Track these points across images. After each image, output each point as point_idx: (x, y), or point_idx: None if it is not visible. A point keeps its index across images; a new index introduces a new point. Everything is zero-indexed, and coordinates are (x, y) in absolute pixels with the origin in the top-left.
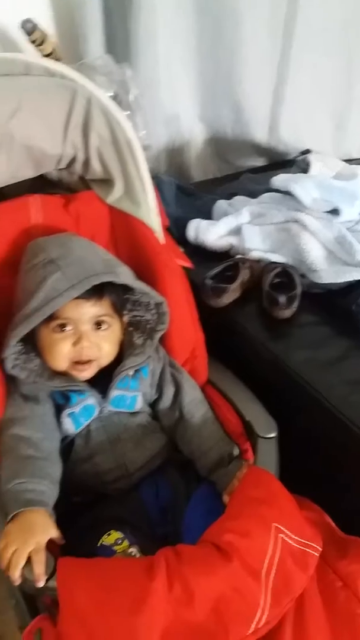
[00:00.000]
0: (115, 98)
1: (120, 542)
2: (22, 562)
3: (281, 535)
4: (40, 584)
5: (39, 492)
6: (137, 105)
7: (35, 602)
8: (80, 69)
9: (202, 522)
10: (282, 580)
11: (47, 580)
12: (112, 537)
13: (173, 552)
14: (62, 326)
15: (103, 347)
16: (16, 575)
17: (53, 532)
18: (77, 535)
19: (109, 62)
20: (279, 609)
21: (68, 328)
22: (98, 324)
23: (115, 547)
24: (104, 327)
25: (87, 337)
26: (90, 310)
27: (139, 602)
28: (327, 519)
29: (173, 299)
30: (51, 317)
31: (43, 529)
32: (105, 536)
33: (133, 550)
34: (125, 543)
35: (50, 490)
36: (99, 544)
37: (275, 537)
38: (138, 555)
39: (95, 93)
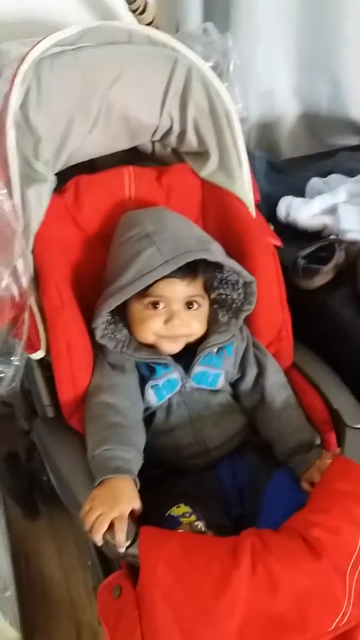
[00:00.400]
0: (215, 68)
1: (187, 515)
2: (105, 527)
3: None
4: (122, 549)
5: (126, 460)
6: (237, 77)
7: (109, 564)
8: (181, 38)
9: (282, 502)
10: None
11: (128, 547)
12: (180, 510)
13: (259, 537)
14: (155, 304)
15: (193, 326)
16: (98, 539)
17: (137, 503)
18: (146, 504)
19: (212, 31)
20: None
21: (161, 306)
22: (189, 304)
23: (182, 519)
24: (195, 307)
25: (178, 316)
26: (184, 290)
27: (222, 585)
28: None
29: (263, 277)
30: (144, 293)
31: (128, 497)
32: (174, 507)
33: (199, 524)
34: (193, 517)
35: (135, 459)
36: (166, 514)
37: None
38: (204, 529)
39: (196, 62)
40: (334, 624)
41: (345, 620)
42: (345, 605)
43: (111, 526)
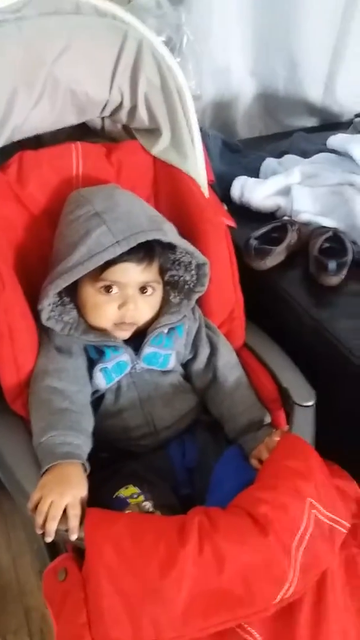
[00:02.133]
0: (167, 43)
1: (136, 496)
2: (59, 515)
3: (314, 511)
4: (74, 537)
5: (75, 445)
6: (190, 52)
7: (56, 547)
8: (132, 10)
9: (230, 479)
10: (311, 555)
11: None
12: (129, 491)
13: (206, 515)
14: (108, 288)
15: (147, 311)
16: (52, 529)
17: (85, 489)
18: (94, 486)
19: (165, 4)
20: (304, 582)
21: (114, 290)
22: (144, 289)
23: (130, 500)
24: (149, 291)
25: (133, 302)
26: (140, 275)
27: (168, 564)
28: (356, 486)
29: (215, 258)
30: (97, 277)
31: (79, 482)
32: (122, 489)
33: (147, 504)
34: (141, 497)
35: (85, 445)
36: (114, 496)
37: (309, 512)
38: (152, 510)
39: (147, 36)
40: (279, 596)
41: (289, 593)
42: (290, 579)
43: (64, 513)
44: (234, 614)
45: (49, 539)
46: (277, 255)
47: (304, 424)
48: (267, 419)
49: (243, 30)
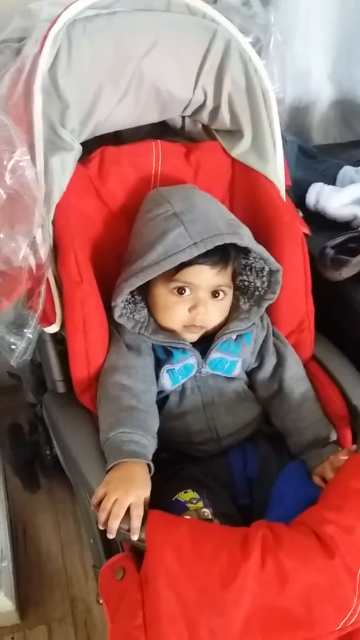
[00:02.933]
0: (255, 44)
1: (195, 501)
2: (122, 514)
3: None
4: (135, 537)
5: (142, 444)
6: (276, 54)
7: (111, 544)
8: (221, 9)
9: (293, 495)
10: None
11: None
12: (188, 495)
13: (271, 530)
14: (181, 290)
15: (216, 316)
16: (115, 527)
17: (149, 489)
18: (154, 487)
19: (254, 3)
20: None
21: (187, 292)
22: (215, 292)
23: (189, 505)
24: (221, 296)
25: (204, 305)
26: (213, 278)
27: (230, 576)
28: None
29: (289, 266)
30: (171, 277)
31: (144, 482)
32: (182, 493)
33: (206, 511)
34: (200, 504)
35: (151, 445)
36: (173, 499)
37: None
38: (210, 517)
39: (235, 36)
40: (341, 623)
41: (352, 620)
42: (354, 606)
43: (127, 512)
44: (293, 636)
45: (111, 536)
46: (353, 267)
47: None
48: (333, 436)
49: (326, 34)
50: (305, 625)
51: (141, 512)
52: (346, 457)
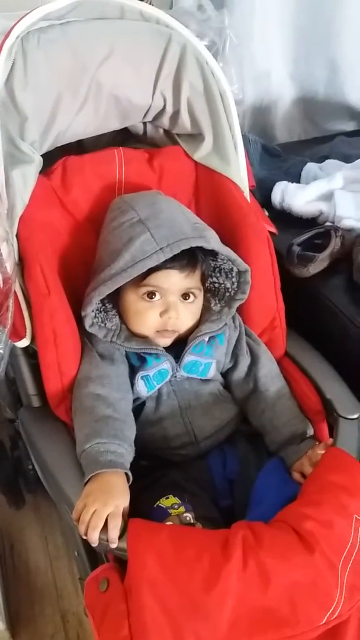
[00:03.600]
0: (210, 47)
1: (176, 507)
2: (101, 524)
3: None
4: (114, 546)
5: (119, 454)
6: (233, 56)
7: (96, 555)
8: (175, 14)
9: (273, 493)
10: (358, 575)
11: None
12: (169, 501)
13: (251, 530)
14: (151, 294)
15: (188, 319)
16: (95, 538)
17: (128, 499)
18: (134, 495)
19: (209, 7)
20: (351, 603)
21: (157, 297)
22: (186, 295)
23: (171, 510)
24: (191, 298)
25: (175, 308)
26: (182, 282)
27: (212, 579)
28: None
29: (257, 266)
30: (140, 283)
31: (122, 492)
32: (163, 499)
33: (188, 515)
34: (182, 509)
35: (128, 454)
36: (155, 505)
37: (356, 529)
38: (193, 521)
39: (190, 40)
40: (325, 617)
41: (336, 614)
42: (337, 600)
43: (105, 522)
44: (279, 634)
45: (94, 545)
46: (320, 262)
47: (349, 438)
48: (310, 431)
49: (283, 34)
50: (290, 623)
51: (119, 523)
52: (323, 452)
